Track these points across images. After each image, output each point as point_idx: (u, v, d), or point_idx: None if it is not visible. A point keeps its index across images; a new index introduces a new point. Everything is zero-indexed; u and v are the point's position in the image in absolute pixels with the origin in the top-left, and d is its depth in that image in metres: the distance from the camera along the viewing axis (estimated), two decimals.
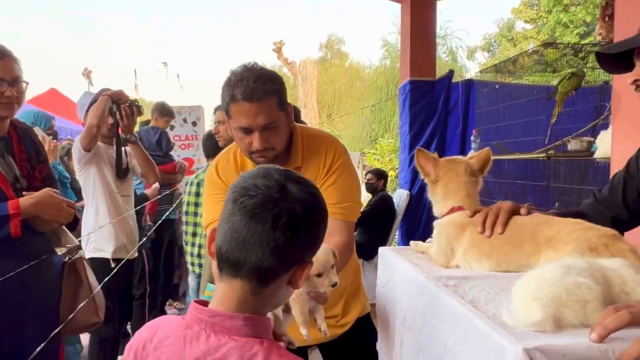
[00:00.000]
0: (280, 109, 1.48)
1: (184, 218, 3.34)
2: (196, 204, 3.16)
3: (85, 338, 3.06)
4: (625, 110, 2.08)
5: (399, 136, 5.81)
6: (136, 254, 2.94)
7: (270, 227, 0.81)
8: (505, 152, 3.65)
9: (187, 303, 4.21)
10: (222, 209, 0.88)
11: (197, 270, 3.26)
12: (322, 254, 1.23)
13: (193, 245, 3.25)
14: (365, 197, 5.06)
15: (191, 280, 3.48)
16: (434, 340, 1.04)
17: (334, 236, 1.57)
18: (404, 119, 5.32)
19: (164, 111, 4.33)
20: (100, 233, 2.69)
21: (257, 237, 0.81)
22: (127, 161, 2.89)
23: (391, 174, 11.41)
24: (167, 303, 4.51)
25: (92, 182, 2.72)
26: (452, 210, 1.30)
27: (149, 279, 3.55)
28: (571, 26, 15.29)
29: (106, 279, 2.24)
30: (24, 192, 1.75)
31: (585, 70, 3.49)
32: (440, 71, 5.53)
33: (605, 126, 3.00)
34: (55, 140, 3.44)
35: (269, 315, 1.32)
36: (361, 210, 2.32)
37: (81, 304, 1.91)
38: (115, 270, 2.54)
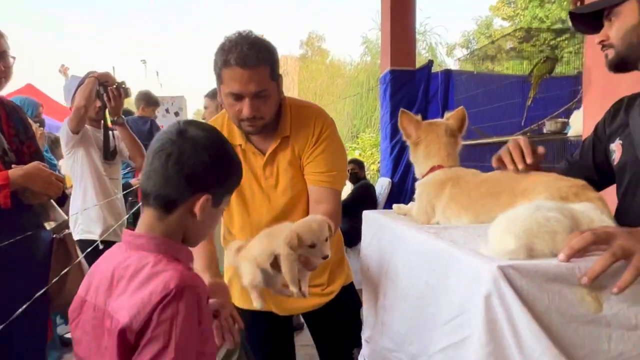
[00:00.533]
0: (272, 78, 1.50)
1: None
2: None
3: None
4: (595, 83, 2.14)
5: (379, 125, 5.88)
6: None
7: (164, 162, 1.00)
8: (483, 136, 3.74)
9: None
10: None
11: None
12: (317, 226, 1.26)
13: None
14: (348, 186, 5.11)
15: None
16: (415, 282, 1.08)
17: (323, 204, 1.61)
18: (384, 108, 5.39)
19: (151, 101, 4.37)
20: (88, 215, 2.69)
21: (155, 171, 1.01)
22: (114, 144, 2.89)
23: (372, 167, 11.50)
24: None
25: (79, 164, 2.73)
26: (432, 169, 1.33)
27: None
28: (547, 21, 15.56)
29: (96, 262, 2.24)
30: (12, 166, 1.76)
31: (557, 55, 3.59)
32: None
33: (578, 108, 3.10)
34: (42, 128, 3.41)
35: (258, 269, 1.37)
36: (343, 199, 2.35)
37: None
38: (104, 253, 2.54)
